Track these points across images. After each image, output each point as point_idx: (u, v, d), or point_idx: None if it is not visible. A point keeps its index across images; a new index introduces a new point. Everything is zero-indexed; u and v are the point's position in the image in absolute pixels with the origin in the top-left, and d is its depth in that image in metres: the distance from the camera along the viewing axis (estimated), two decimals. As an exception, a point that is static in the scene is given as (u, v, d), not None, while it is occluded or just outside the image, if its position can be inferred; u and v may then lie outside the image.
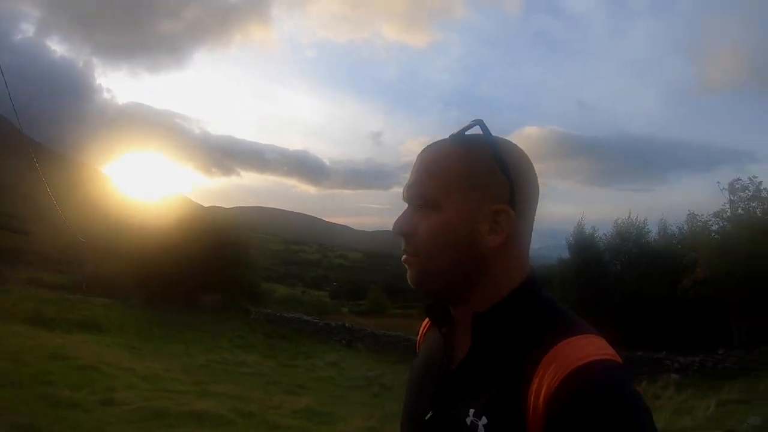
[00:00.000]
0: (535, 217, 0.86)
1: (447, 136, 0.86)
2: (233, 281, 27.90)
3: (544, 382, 0.68)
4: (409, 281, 0.85)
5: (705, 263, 15.08)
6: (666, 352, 14.25)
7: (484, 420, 0.72)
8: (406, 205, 0.87)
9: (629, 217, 21.08)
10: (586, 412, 0.64)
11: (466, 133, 0.85)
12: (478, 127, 0.84)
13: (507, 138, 0.85)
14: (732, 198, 16.20)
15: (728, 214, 16.30)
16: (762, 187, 15.57)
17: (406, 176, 0.88)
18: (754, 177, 15.98)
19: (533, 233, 0.86)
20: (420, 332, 1.06)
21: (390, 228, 0.86)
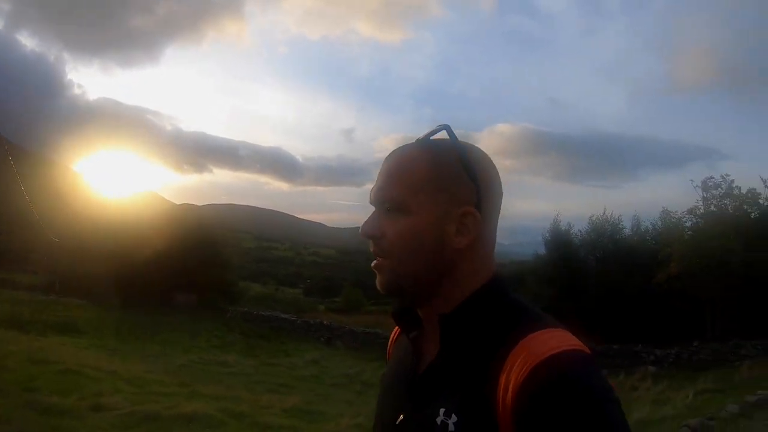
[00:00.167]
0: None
1: (414, 140, 0.88)
2: (209, 280, 27.54)
3: (511, 377, 0.69)
4: (378, 286, 0.86)
5: (679, 258, 15.54)
6: (642, 345, 14.59)
7: (454, 418, 0.73)
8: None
9: (604, 213, 21.58)
10: (554, 402, 0.64)
11: (432, 137, 0.86)
12: (444, 131, 0.86)
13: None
14: (705, 195, 16.75)
15: (701, 211, 16.83)
16: (734, 185, 16.12)
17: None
18: (726, 175, 16.58)
19: (503, 230, 0.89)
20: (390, 341, 1.06)
21: (359, 232, 0.87)
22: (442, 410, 0.75)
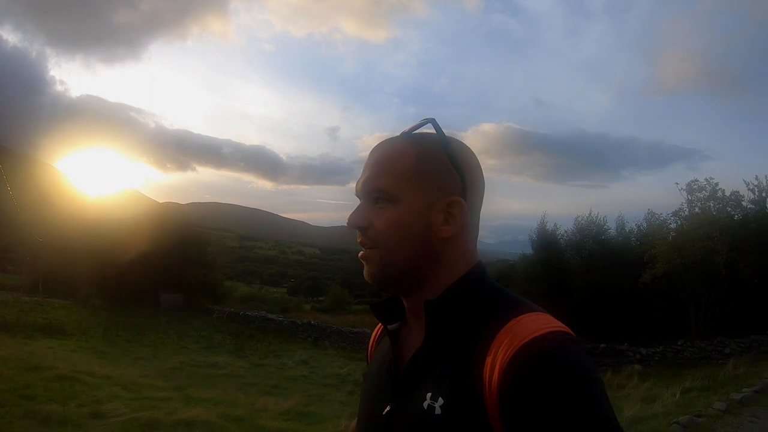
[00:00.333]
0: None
1: (398, 134, 0.90)
2: (194, 280, 27.31)
3: (497, 359, 0.71)
4: (366, 277, 0.87)
5: (664, 259, 15.82)
6: (628, 343, 14.78)
7: (440, 401, 0.75)
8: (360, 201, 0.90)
9: (590, 214, 21.89)
10: (539, 380, 0.66)
11: (417, 131, 0.89)
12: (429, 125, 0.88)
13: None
14: (690, 198, 17.12)
15: (686, 213, 17.19)
16: (718, 188, 16.49)
17: None
18: (711, 178, 16.98)
19: (486, 230, 0.90)
20: (372, 339, 1.07)
21: (346, 223, 0.88)
22: (428, 394, 0.77)
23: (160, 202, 50.22)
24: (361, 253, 0.86)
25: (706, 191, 16.58)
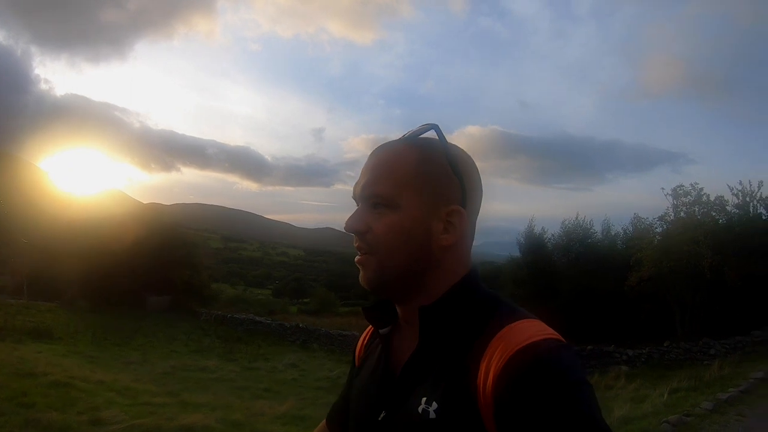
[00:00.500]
0: (479, 215, 0.92)
1: (399, 137, 0.89)
2: (180, 282, 27.04)
3: (491, 364, 0.72)
4: (362, 282, 0.86)
5: (650, 262, 16.08)
6: (615, 345, 14.93)
7: (434, 405, 0.76)
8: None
9: (576, 218, 22.20)
10: (532, 385, 0.68)
11: (419, 136, 0.88)
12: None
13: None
14: (675, 203, 17.43)
15: (672, 217, 17.49)
16: (703, 192, 16.85)
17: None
18: (696, 183, 17.26)
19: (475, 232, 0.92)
20: (360, 342, 1.07)
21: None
22: (423, 399, 0.77)
23: (145, 202, 49.61)
24: (358, 257, 0.85)
25: (691, 196, 16.90)
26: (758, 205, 17.06)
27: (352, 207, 0.88)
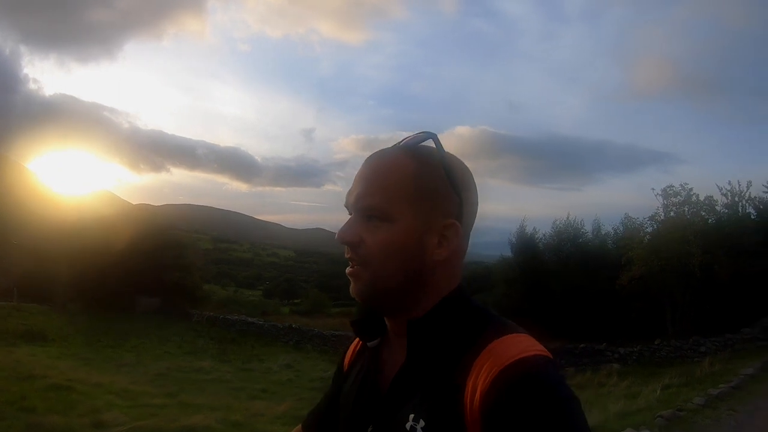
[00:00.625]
0: None
1: (395, 144, 0.87)
2: (171, 283, 26.87)
3: (479, 380, 0.71)
4: (353, 294, 0.84)
5: (641, 261, 16.27)
6: (606, 343, 15.09)
7: (422, 423, 0.75)
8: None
9: (567, 218, 22.41)
10: (520, 401, 0.67)
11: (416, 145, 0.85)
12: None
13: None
14: (665, 203, 17.65)
15: (662, 217, 17.71)
16: (692, 192, 17.10)
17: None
18: (685, 184, 17.50)
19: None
20: (350, 351, 1.05)
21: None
22: (411, 416, 0.76)
23: (134, 203, 49.23)
24: (349, 269, 0.83)
25: (680, 196, 17.11)
26: (747, 204, 17.37)
27: (342, 208, 0.86)
